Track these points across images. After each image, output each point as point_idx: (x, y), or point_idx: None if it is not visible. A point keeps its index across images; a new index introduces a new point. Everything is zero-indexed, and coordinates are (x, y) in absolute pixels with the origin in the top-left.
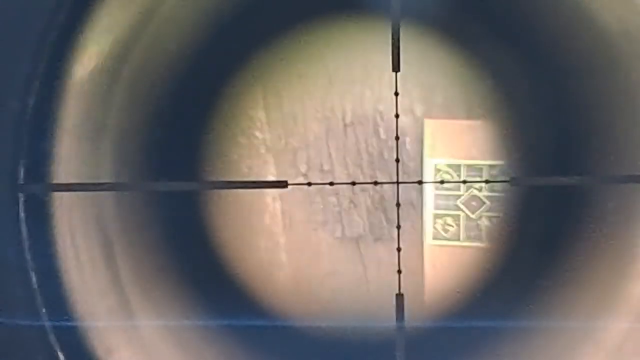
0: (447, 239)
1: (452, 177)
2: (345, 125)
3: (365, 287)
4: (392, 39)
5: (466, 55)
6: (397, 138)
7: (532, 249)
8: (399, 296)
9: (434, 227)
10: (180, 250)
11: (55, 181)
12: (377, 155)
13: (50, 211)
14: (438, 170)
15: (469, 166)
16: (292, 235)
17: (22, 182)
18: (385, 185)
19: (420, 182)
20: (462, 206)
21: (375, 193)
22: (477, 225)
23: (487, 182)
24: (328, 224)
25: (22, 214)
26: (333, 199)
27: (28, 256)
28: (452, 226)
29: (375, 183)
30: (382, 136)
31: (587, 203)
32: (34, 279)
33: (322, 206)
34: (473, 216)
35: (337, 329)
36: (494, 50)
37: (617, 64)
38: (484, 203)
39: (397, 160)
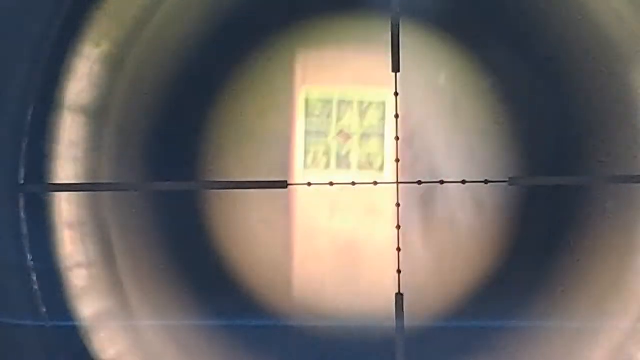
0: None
1: (323, 110)
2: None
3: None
4: (392, 38)
5: (466, 53)
6: (397, 138)
7: (532, 249)
8: (399, 296)
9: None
10: (180, 251)
11: (55, 181)
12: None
13: (50, 211)
14: (308, 102)
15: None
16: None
17: (22, 182)
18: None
19: (420, 182)
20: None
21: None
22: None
23: (486, 182)
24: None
25: (22, 214)
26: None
27: (28, 256)
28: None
29: (375, 183)
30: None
31: (587, 203)
32: (34, 279)
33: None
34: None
35: (337, 329)
36: (495, 49)
37: (617, 64)
38: (352, 136)
39: (397, 161)
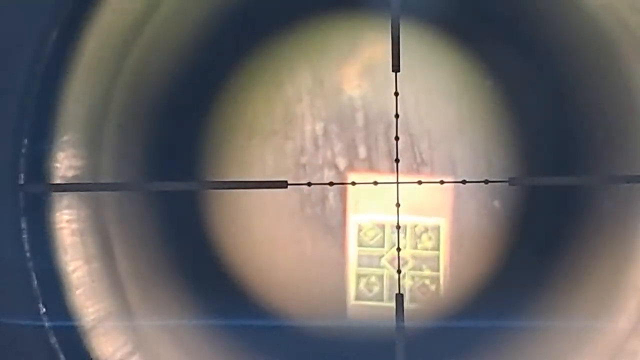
0: (370, 299)
1: (376, 237)
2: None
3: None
4: (392, 38)
5: (467, 53)
6: (396, 138)
7: (532, 249)
8: (399, 296)
9: (357, 287)
10: (180, 250)
11: (55, 181)
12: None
13: (50, 211)
14: (361, 229)
15: (393, 226)
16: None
17: (22, 182)
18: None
19: (420, 182)
20: (386, 264)
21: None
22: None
23: (486, 182)
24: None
25: (22, 214)
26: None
27: (28, 256)
28: (376, 285)
29: (375, 183)
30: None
31: (587, 203)
32: (34, 279)
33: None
34: (397, 274)
35: (337, 329)
36: (495, 49)
37: (617, 64)
38: (407, 262)
39: (397, 161)
